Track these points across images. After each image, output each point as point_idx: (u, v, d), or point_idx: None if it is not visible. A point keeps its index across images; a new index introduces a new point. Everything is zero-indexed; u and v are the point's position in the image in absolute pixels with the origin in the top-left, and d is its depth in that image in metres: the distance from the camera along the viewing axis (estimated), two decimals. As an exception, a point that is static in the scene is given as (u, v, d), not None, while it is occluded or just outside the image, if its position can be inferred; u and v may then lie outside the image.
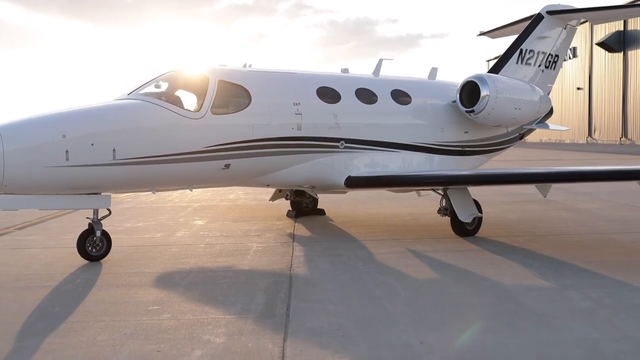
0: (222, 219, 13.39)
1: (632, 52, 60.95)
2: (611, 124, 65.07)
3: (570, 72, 72.03)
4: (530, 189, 11.20)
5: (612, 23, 56.90)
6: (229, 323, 6.08)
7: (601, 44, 63.61)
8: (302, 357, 5.14)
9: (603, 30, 62.60)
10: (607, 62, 64.97)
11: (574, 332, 5.67)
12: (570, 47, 68.86)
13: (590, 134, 69.34)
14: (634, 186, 10.42)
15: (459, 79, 12.74)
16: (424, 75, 13.78)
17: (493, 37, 18.01)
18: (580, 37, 67.49)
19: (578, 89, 70.45)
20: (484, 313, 6.44)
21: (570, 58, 71.43)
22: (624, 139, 62.60)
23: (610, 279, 7.67)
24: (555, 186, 18.62)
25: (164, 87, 9.61)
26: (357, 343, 5.47)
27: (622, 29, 61.42)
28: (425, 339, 5.52)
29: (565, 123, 71.37)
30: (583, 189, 18.39)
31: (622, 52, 62.14)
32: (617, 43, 62.09)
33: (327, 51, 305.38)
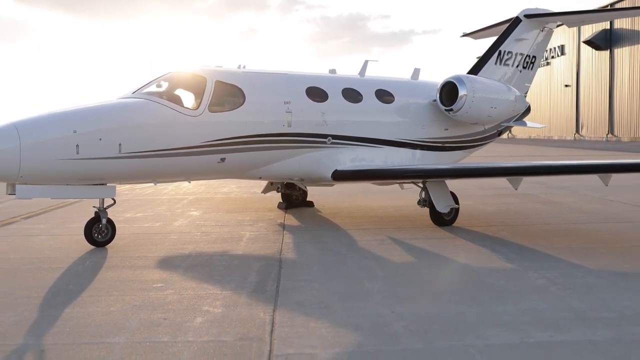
0: (216, 210, 14.19)
1: (619, 50, 62.07)
2: (598, 121, 66.20)
3: (559, 69, 73.18)
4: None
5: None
6: (225, 297, 6.91)
7: (588, 42, 64.72)
8: (289, 323, 5.98)
9: (590, 29, 63.65)
10: (595, 60, 66.09)
11: (525, 304, 6.52)
12: (559, 45, 69.34)
13: (577, 131, 70.44)
14: (611, 181, 11.16)
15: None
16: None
17: (476, 38, 18.84)
18: (568, 35, 68.63)
19: (566, 86, 71.55)
20: (449, 289, 7.31)
21: (558, 56, 72.55)
22: (610, 135, 63.70)
23: (567, 262, 8.52)
24: (535, 180, 19.64)
25: (164, 86, 10.38)
26: (337, 313, 6.31)
27: (608, 27, 62.50)
28: (396, 310, 6.36)
29: (553, 120, 72.56)
30: (561, 183, 19.26)
31: (609, 50, 63.27)
32: (603, 41, 63.23)
33: (320, 47, 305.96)
